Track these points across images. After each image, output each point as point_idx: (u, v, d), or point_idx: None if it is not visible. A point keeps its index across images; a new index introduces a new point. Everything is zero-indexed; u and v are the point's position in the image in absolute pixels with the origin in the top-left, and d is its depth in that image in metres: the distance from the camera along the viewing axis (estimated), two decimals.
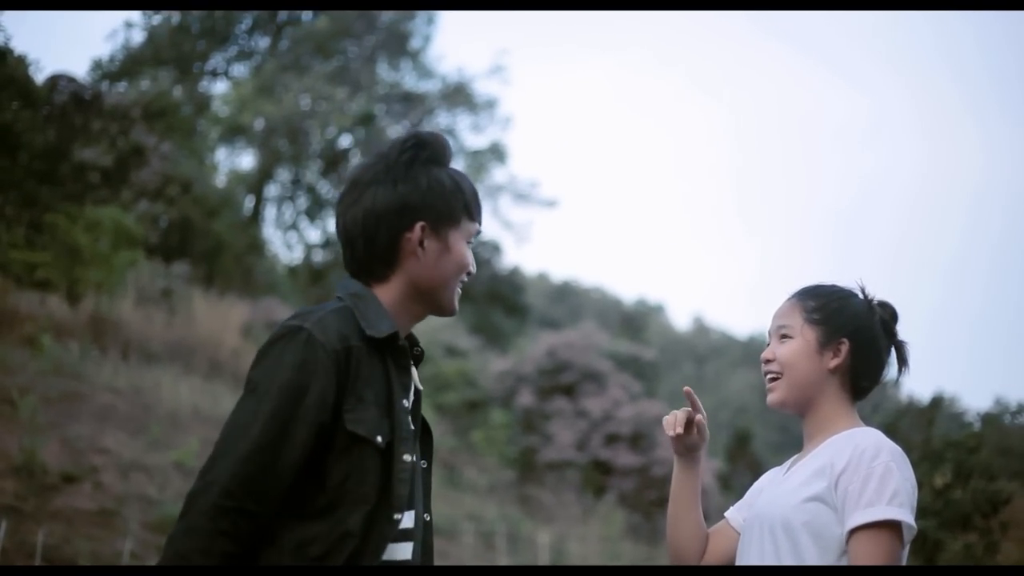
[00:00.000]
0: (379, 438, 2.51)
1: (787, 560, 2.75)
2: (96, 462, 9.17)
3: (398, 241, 2.64)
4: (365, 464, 2.49)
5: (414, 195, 2.64)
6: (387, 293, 2.67)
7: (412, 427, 2.66)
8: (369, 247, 2.65)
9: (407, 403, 2.63)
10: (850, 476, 2.70)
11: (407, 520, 2.61)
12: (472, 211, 2.74)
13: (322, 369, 2.45)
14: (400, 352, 2.64)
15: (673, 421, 3.01)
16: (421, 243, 2.64)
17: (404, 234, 2.64)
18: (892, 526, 2.66)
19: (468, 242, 2.74)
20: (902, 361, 3.03)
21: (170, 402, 12.20)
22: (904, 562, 2.69)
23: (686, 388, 3.09)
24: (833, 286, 3.03)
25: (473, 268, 2.77)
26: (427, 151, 2.69)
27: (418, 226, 2.64)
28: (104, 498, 8.58)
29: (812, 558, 2.72)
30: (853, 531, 2.67)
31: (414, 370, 2.75)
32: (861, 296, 3.02)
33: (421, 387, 2.79)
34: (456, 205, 2.70)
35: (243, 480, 2.36)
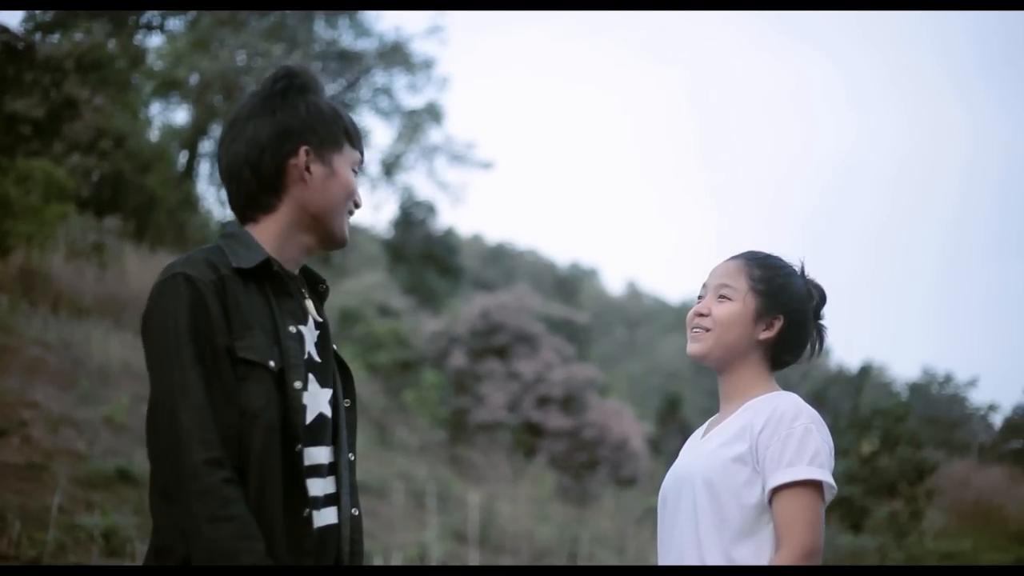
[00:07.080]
0: (271, 362, 2.51)
1: (705, 518, 2.82)
2: (25, 416, 9.11)
3: (284, 167, 2.65)
4: (258, 391, 2.49)
5: (294, 120, 2.65)
6: (274, 223, 2.68)
7: (314, 357, 2.67)
8: (255, 176, 2.65)
9: (297, 330, 2.62)
10: (769, 437, 2.78)
11: (320, 455, 2.62)
12: (353, 138, 2.75)
13: (209, 301, 2.45)
14: (277, 279, 2.63)
15: None
16: (307, 167, 2.65)
17: (289, 160, 2.64)
18: (813, 485, 2.74)
19: (353, 171, 2.74)
20: (819, 344, 3.12)
21: (100, 357, 12.12)
22: (823, 521, 2.77)
23: None
24: (780, 260, 3.10)
25: (359, 199, 2.77)
26: (299, 79, 2.71)
27: (302, 150, 2.65)
28: (33, 452, 8.53)
29: (734, 517, 2.79)
30: (776, 490, 2.75)
31: (309, 303, 2.74)
32: (800, 275, 3.10)
33: (322, 319, 2.76)
34: (337, 130, 2.71)
35: (212, 427, 2.37)
